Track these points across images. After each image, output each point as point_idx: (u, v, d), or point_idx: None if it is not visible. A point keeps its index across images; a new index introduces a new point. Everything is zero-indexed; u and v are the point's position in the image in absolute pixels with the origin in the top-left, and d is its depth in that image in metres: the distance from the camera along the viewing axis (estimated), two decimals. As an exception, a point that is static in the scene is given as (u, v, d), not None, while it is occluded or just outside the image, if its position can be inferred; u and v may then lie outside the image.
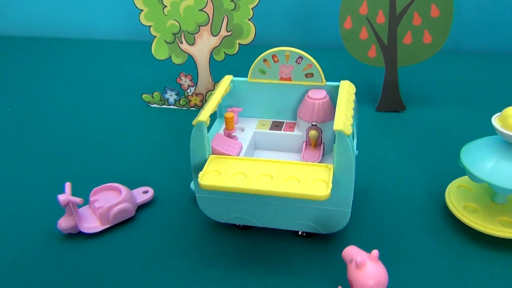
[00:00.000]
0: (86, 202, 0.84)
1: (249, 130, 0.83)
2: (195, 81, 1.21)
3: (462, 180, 0.82)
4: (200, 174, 0.76)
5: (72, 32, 1.76)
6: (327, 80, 0.81)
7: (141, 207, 0.88)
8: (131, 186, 0.89)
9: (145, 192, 0.91)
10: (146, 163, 1.00)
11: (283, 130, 0.83)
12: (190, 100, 1.22)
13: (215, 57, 1.18)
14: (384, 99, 1.18)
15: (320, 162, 0.76)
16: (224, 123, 0.86)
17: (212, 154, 0.74)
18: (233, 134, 0.88)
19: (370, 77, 1.32)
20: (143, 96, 1.26)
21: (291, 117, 0.85)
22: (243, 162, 0.73)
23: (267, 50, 0.80)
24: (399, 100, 1.16)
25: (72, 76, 1.43)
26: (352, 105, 0.83)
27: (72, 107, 1.25)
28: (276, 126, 0.84)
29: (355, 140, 0.78)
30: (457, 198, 0.78)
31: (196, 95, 1.20)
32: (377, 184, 0.88)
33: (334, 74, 1.08)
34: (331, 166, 0.77)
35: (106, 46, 1.67)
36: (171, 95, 1.23)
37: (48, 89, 1.34)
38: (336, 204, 0.77)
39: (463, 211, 0.75)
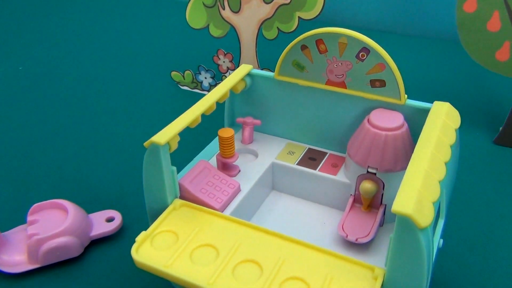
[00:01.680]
0: (23, 220, 0.66)
1: (266, 157, 0.58)
2: (236, 62, 0.98)
3: None
4: (138, 238, 0.43)
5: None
6: (409, 95, 0.52)
7: (99, 242, 0.66)
8: (113, 200, 0.71)
9: (110, 219, 0.68)
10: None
11: (320, 170, 0.56)
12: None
13: (265, 33, 0.92)
14: (510, 128, 0.76)
15: (370, 240, 0.49)
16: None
17: (182, 197, 0.51)
18: (232, 163, 0.52)
19: (492, 90, 0.97)
20: (172, 74, 1.06)
21: (337, 146, 0.59)
22: (227, 224, 0.47)
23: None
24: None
25: (90, 34, 1.33)
26: (447, 151, 0.43)
27: (86, 75, 1.12)
28: (311, 159, 0.58)
29: (442, 219, 0.49)
30: None
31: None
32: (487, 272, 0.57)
33: (426, 84, 0.67)
34: (380, 271, 0.39)
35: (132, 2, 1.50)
36: (205, 78, 1.02)
37: (66, 49, 1.24)
38: None
39: None
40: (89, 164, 0.80)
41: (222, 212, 0.49)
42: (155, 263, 0.42)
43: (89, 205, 0.69)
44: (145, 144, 0.45)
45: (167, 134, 0.45)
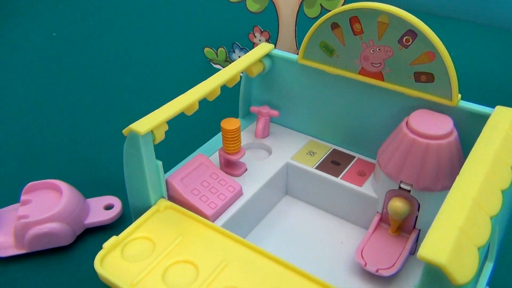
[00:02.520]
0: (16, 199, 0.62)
1: (281, 155, 0.50)
2: (273, 41, 0.89)
3: None
4: (107, 244, 0.35)
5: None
6: (463, 96, 0.42)
7: (95, 231, 0.61)
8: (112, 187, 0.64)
9: (109, 207, 0.63)
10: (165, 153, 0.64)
11: (343, 178, 0.47)
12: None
13: (306, 10, 0.82)
14: None
15: (395, 273, 0.40)
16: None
17: (170, 197, 0.43)
18: (238, 160, 0.44)
19: None
20: (205, 50, 1.00)
21: (368, 151, 0.50)
22: (216, 238, 0.39)
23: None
24: None
25: (125, 5, 1.29)
26: (507, 175, 0.32)
27: (117, 47, 1.08)
28: (335, 163, 0.49)
29: (491, 263, 0.39)
30: None
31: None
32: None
33: (486, 83, 0.55)
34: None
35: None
36: (239, 56, 0.94)
37: (100, 21, 1.20)
38: None
39: None
40: (100, 144, 0.74)
41: (214, 220, 0.41)
42: (119, 280, 0.35)
43: (90, 189, 0.64)
44: (124, 131, 0.37)
45: (149, 122, 0.37)
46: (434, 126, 0.39)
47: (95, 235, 0.59)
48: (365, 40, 0.42)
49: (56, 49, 1.09)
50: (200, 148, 0.48)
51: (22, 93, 0.90)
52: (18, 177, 0.69)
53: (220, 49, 0.95)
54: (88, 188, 0.63)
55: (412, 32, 0.39)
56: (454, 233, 0.27)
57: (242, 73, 0.49)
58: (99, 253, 0.37)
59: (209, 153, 0.48)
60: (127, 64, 1.01)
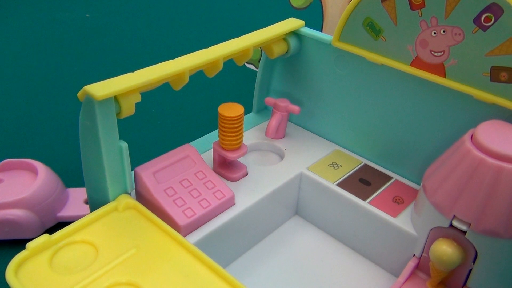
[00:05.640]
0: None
1: (295, 162, 0.39)
2: None
3: None
4: (31, 244, 0.26)
5: None
6: None
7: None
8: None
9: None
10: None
11: (372, 202, 0.35)
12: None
13: None
14: None
15: None
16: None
17: (138, 193, 0.33)
18: (236, 159, 0.34)
19: None
20: None
21: (410, 171, 0.37)
22: (183, 259, 0.28)
23: None
24: None
25: None
26: None
27: (145, 32, 1.03)
28: (364, 182, 0.37)
29: None
30: None
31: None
32: None
33: None
34: None
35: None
36: None
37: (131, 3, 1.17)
38: None
39: None
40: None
41: (186, 234, 0.30)
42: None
43: (74, 177, 0.56)
44: (79, 94, 0.27)
45: (111, 86, 0.27)
46: (511, 143, 0.28)
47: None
48: (426, 17, 0.31)
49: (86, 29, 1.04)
50: (193, 142, 0.38)
51: (27, 64, 0.85)
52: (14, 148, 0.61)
53: (255, 47, 0.87)
54: (73, 176, 0.55)
55: (497, 8, 0.28)
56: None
57: (261, 55, 0.39)
58: (17, 255, 0.27)
59: (203, 148, 0.38)
60: (157, 53, 0.95)
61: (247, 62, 0.91)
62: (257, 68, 0.89)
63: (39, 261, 0.27)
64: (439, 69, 0.32)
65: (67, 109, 0.70)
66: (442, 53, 0.31)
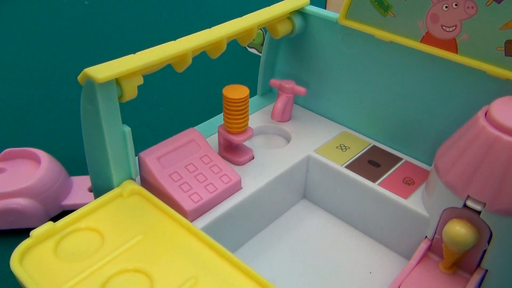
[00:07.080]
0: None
1: (302, 145, 0.38)
2: None
3: None
4: (35, 232, 0.25)
5: None
6: None
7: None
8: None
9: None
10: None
11: (382, 184, 0.34)
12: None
13: None
14: None
15: None
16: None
17: (142, 179, 0.32)
18: (242, 142, 0.33)
19: None
20: None
21: (421, 151, 0.36)
22: (191, 243, 0.27)
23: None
24: None
25: None
26: None
27: (146, 22, 1.01)
28: (373, 163, 0.36)
29: None
30: None
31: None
32: None
33: None
34: None
35: None
36: None
37: None
38: None
39: None
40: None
41: (193, 219, 0.29)
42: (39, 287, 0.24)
43: (78, 165, 0.55)
44: (79, 77, 0.26)
45: (112, 68, 0.26)
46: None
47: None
48: (436, -10, 0.29)
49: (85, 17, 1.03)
50: (198, 126, 0.37)
51: (31, 55, 0.83)
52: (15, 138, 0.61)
53: (258, 30, 0.85)
54: (76, 164, 0.54)
55: (511, -21, 0.26)
56: None
57: (264, 36, 0.38)
58: (21, 243, 0.26)
59: (208, 132, 0.37)
60: (159, 39, 0.95)
61: (249, 46, 0.89)
62: (260, 52, 0.87)
63: (44, 249, 0.26)
64: (451, 45, 0.31)
65: (69, 97, 0.69)
66: (454, 27, 0.30)
